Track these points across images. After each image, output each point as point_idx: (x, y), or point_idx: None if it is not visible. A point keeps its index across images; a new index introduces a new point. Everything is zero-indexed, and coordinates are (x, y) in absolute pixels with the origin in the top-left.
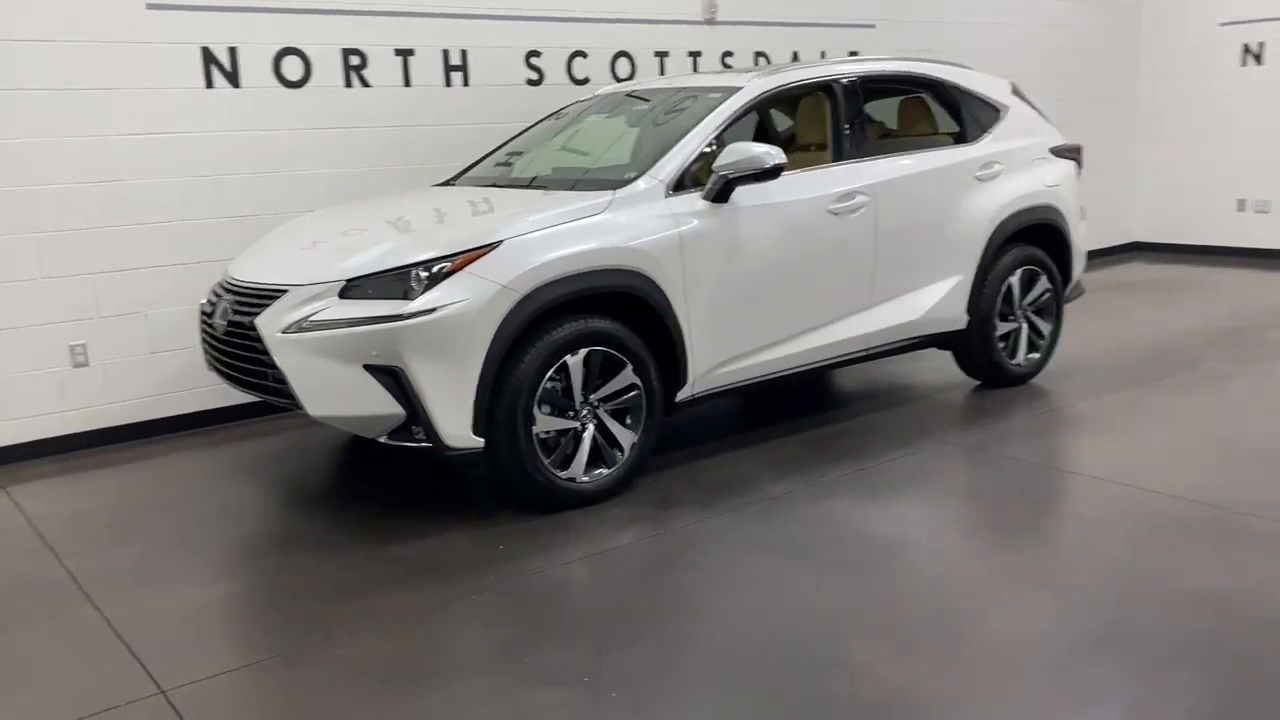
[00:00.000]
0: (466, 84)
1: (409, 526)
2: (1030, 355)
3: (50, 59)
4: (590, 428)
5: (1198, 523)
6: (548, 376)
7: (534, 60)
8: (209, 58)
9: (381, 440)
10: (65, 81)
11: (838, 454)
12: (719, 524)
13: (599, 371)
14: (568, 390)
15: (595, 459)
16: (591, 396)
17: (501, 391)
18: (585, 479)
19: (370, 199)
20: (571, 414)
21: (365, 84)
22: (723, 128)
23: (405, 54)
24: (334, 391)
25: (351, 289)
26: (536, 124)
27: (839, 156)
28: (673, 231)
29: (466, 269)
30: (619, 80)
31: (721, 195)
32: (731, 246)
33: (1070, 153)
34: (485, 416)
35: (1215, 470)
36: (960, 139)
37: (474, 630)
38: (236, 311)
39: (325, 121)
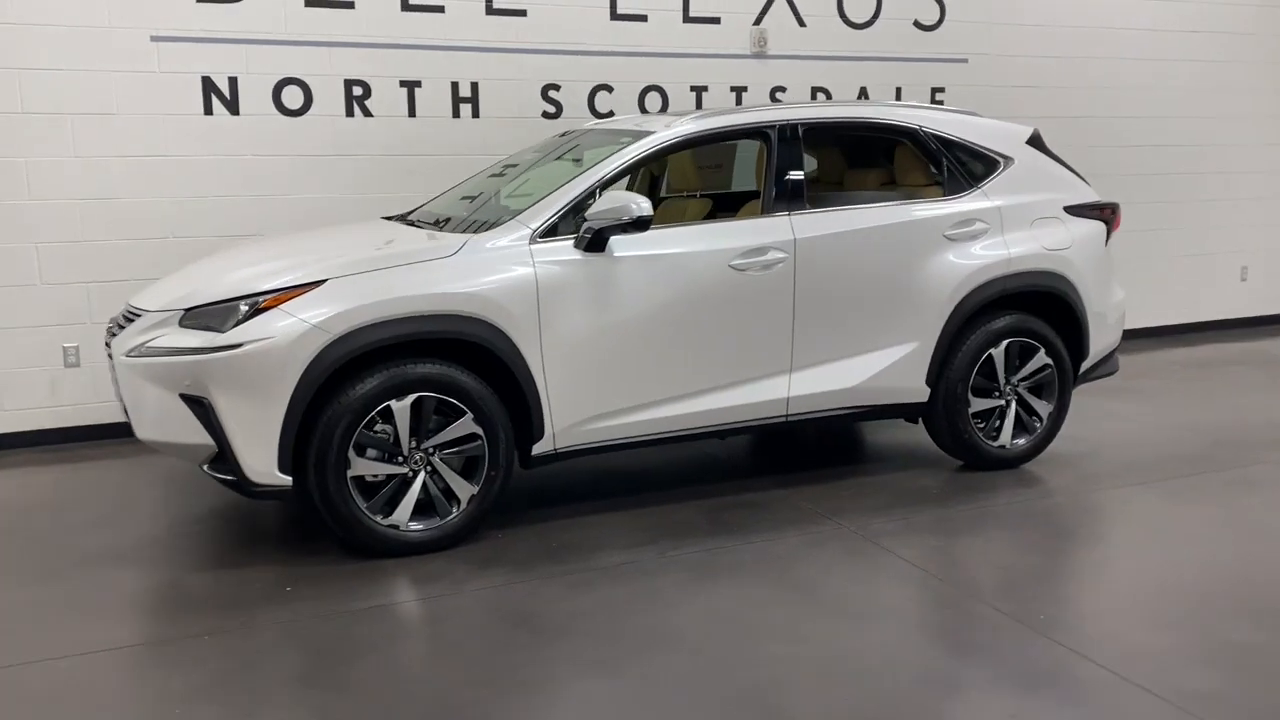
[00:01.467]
0: (476, 115)
1: (227, 556)
2: (1017, 439)
3: (59, 86)
4: (421, 475)
5: None
6: (373, 420)
7: (552, 93)
8: (209, 86)
9: (203, 469)
10: (71, 106)
11: (716, 526)
12: (520, 590)
13: (433, 418)
14: (399, 435)
15: (430, 508)
16: (425, 444)
17: (313, 432)
18: (414, 527)
19: (309, 230)
20: (400, 460)
21: (367, 113)
22: (614, 174)
23: (411, 85)
24: (156, 417)
25: (189, 317)
26: (505, 159)
27: (766, 209)
28: (528, 279)
29: (281, 306)
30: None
31: (594, 244)
32: (603, 297)
33: (1095, 212)
34: (293, 456)
35: (1194, 635)
36: (943, 193)
37: (161, 674)
38: (110, 333)
39: (324, 149)
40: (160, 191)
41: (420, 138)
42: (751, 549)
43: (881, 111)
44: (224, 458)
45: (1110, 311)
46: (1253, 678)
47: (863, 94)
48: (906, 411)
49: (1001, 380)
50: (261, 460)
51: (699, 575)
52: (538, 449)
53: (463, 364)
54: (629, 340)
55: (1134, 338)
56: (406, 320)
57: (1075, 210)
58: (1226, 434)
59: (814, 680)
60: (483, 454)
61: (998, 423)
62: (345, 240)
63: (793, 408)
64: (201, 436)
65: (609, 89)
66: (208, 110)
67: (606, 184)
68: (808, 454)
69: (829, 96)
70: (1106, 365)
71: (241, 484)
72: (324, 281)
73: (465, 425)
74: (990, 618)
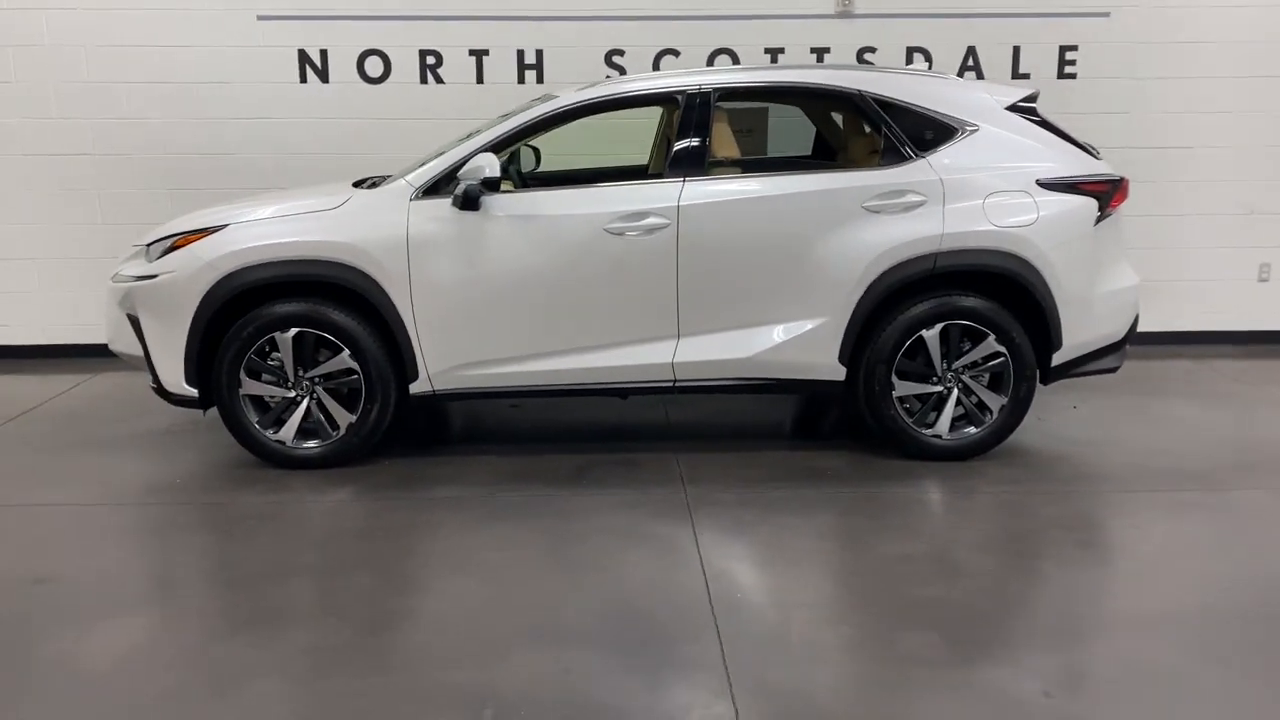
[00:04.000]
0: (540, 80)
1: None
2: (965, 429)
3: (186, 60)
4: (305, 402)
5: None
6: (263, 348)
7: (616, 59)
8: (304, 58)
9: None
10: (195, 77)
11: (569, 478)
12: (351, 508)
13: (314, 351)
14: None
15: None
16: (312, 372)
17: (214, 354)
18: (300, 445)
19: (298, 188)
20: (288, 385)
21: (440, 80)
22: (500, 140)
23: (479, 54)
24: (114, 332)
25: (147, 251)
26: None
27: (658, 174)
28: (399, 231)
29: (188, 246)
30: None
31: (469, 202)
32: (474, 253)
33: (1082, 187)
34: (197, 372)
35: None
36: (880, 163)
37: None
38: None
39: (401, 114)
40: (266, 150)
41: (487, 103)
42: (571, 500)
43: (814, 75)
44: (150, 368)
45: (1100, 300)
46: None
47: (970, 55)
48: (821, 389)
49: (938, 365)
50: (173, 373)
51: (493, 517)
52: (415, 389)
53: (346, 307)
54: (500, 294)
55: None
56: (286, 263)
57: (1052, 184)
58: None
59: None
60: (360, 388)
61: (933, 411)
62: (303, 193)
63: (680, 373)
64: (138, 349)
65: (675, 53)
66: (303, 79)
67: (495, 148)
68: (770, 423)
69: (928, 60)
70: (1100, 360)
71: (160, 392)
72: (225, 226)
73: (342, 361)
74: (684, 602)
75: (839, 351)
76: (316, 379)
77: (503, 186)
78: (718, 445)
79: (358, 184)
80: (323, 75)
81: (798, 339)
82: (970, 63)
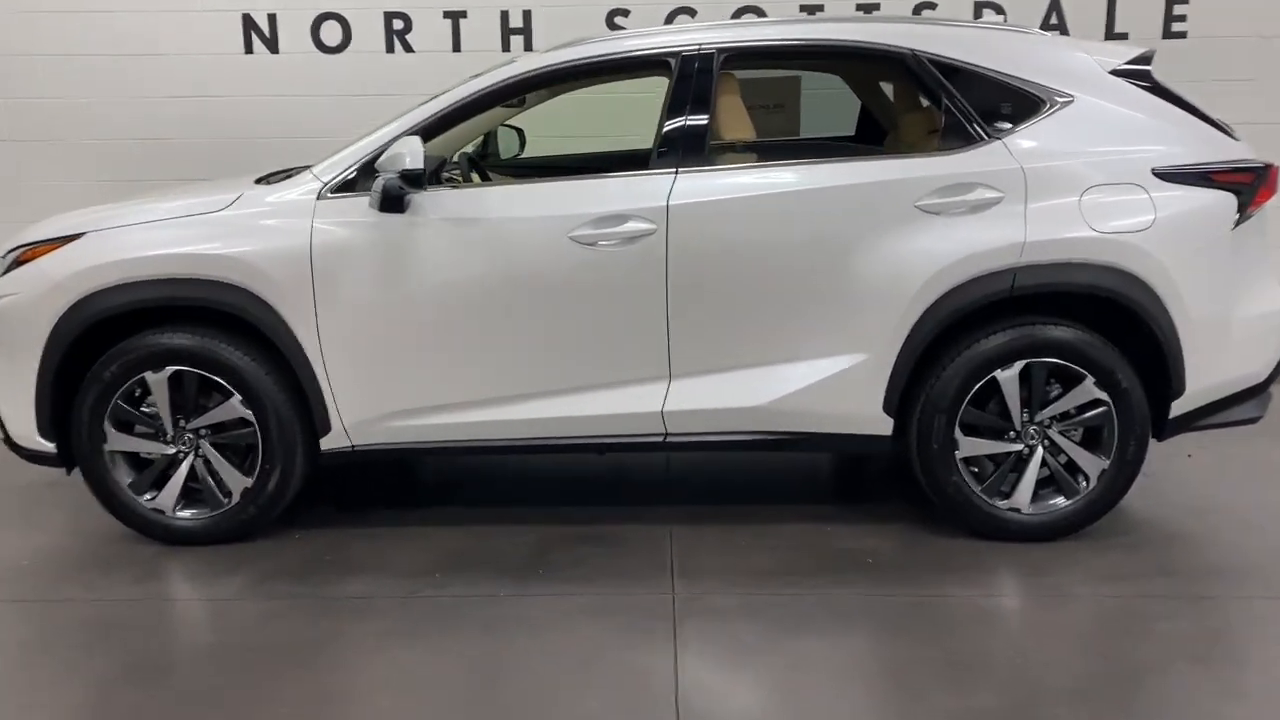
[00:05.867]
0: (529, 46)
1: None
2: (1051, 500)
3: (117, 29)
4: (189, 460)
5: None
6: (133, 392)
7: (619, 19)
8: (249, 24)
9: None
10: (127, 48)
11: (521, 564)
12: (236, 607)
13: (199, 395)
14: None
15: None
16: (194, 423)
17: (73, 399)
18: (181, 514)
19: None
20: (165, 440)
21: (409, 49)
22: (433, 120)
23: (456, 16)
24: None
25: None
26: None
27: (649, 164)
28: (300, 241)
29: (36, 260)
30: None
31: (390, 203)
32: (400, 269)
33: (1216, 178)
34: (52, 423)
35: None
36: (939, 146)
37: None
38: None
39: (363, 88)
40: (207, 132)
41: (466, 74)
42: (520, 603)
43: (853, 31)
44: None
45: (1238, 329)
46: None
47: (1053, 11)
48: (859, 446)
49: (1016, 417)
50: (23, 423)
51: (410, 632)
52: (328, 444)
53: (237, 339)
54: (434, 323)
55: None
56: (152, 284)
57: (1174, 175)
58: None
59: None
60: (256, 443)
61: (1012, 475)
62: (177, 195)
63: (673, 425)
64: None
65: (691, 12)
66: (248, 49)
67: (425, 131)
68: (795, 479)
69: (1001, 16)
70: (1237, 408)
71: (11, 445)
72: (81, 235)
73: (232, 408)
74: None
75: (883, 398)
76: (201, 431)
77: (449, 178)
78: (726, 512)
79: (265, 179)
80: (271, 44)
81: (828, 382)
82: (1053, 20)
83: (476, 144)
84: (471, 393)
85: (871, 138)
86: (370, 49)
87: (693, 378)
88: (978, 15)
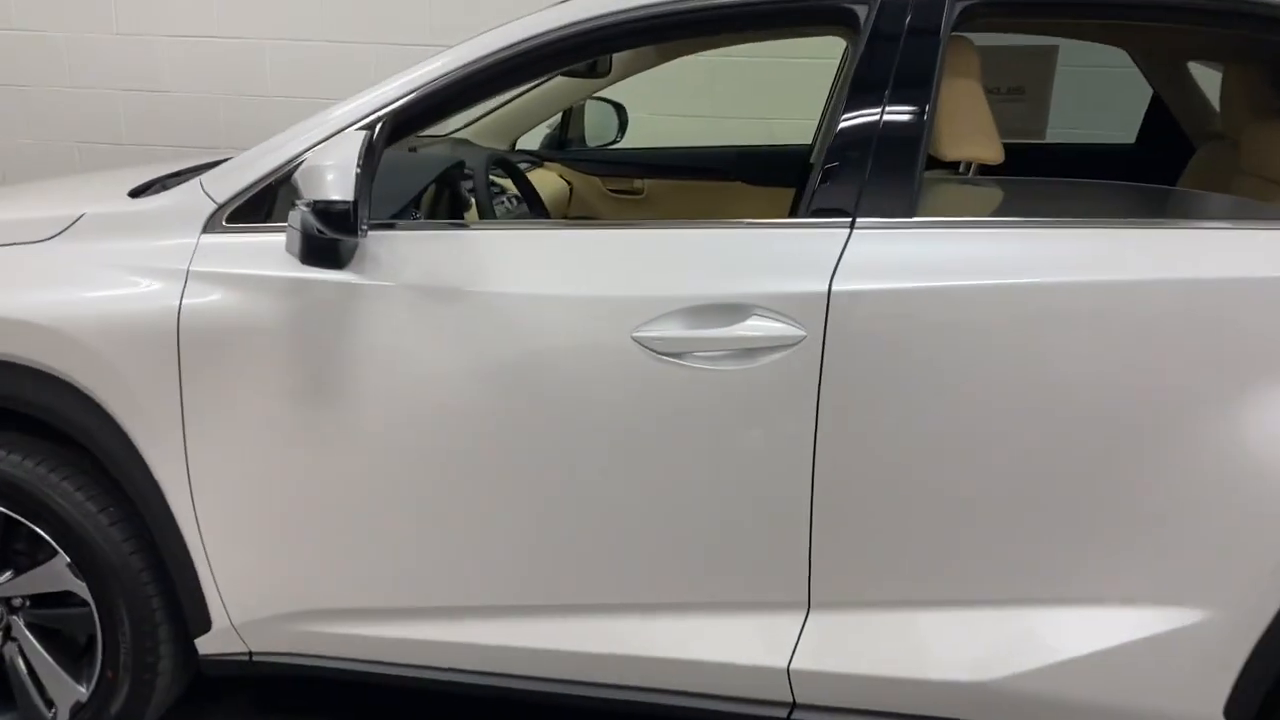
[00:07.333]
0: None
1: None
2: None
3: None
4: None
5: None
6: None
7: None
8: None
9: None
10: None
11: None
12: None
13: (5, 542)
14: None
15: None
16: None
17: None
18: None
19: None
20: None
21: None
22: (427, 94)
23: None
24: None
25: None
26: None
27: (804, 207)
28: (163, 306)
29: None
30: None
31: (319, 253)
32: (332, 369)
33: None
34: None
35: None
36: None
37: None
38: None
39: (324, 30)
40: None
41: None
42: None
43: None
44: None
45: None
46: None
47: None
48: None
49: None
50: None
51: None
52: (209, 647)
53: (64, 461)
54: (389, 470)
55: None
56: None
57: None
58: None
59: None
60: (96, 632)
61: None
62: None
63: (806, 691)
64: None
65: None
66: None
67: (402, 121)
68: None
69: None
70: None
71: None
72: None
73: (55, 574)
74: None
75: (1232, 693)
76: (14, 601)
77: (493, 185)
78: None
79: (147, 188)
80: None
81: (1124, 651)
82: None
83: (553, 126)
84: (447, 593)
85: (1162, 151)
86: None
87: (850, 612)
88: None
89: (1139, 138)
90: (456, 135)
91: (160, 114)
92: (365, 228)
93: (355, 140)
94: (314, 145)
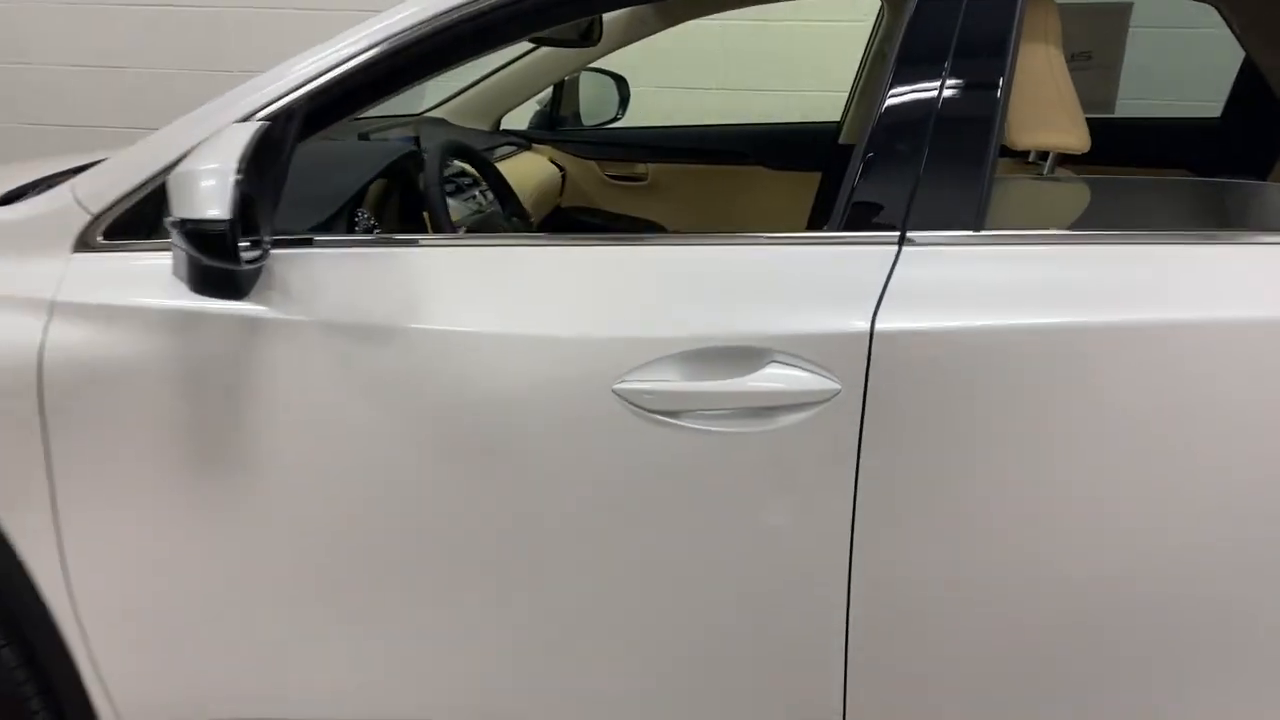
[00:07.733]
0: None
1: None
2: None
3: None
4: None
5: None
6: None
7: None
8: None
9: None
10: None
11: None
12: None
13: None
14: None
15: None
16: None
17: None
18: None
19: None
20: None
21: None
22: (350, 72)
23: None
24: None
25: None
26: None
27: (839, 217)
28: (22, 343)
29: None
30: None
31: (212, 276)
32: (233, 423)
33: None
34: None
35: None
36: None
37: None
38: None
39: None
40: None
41: None
42: None
43: None
44: None
45: None
46: None
47: None
48: None
49: None
50: None
51: None
52: None
53: None
54: (306, 548)
55: None
56: None
57: None
58: None
59: None
60: None
61: None
62: None
63: None
64: None
65: None
66: None
67: (318, 108)
68: None
69: None
70: None
71: None
72: None
73: None
74: None
75: None
76: None
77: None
78: None
79: (16, 195)
80: None
81: None
82: None
83: (543, 102)
84: (388, 691)
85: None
86: None
87: None
88: None
89: (1225, 112)
90: (429, 115)
91: (112, 91)
92: (267, 247)
93: (241, 136)
94: (171, 162)
